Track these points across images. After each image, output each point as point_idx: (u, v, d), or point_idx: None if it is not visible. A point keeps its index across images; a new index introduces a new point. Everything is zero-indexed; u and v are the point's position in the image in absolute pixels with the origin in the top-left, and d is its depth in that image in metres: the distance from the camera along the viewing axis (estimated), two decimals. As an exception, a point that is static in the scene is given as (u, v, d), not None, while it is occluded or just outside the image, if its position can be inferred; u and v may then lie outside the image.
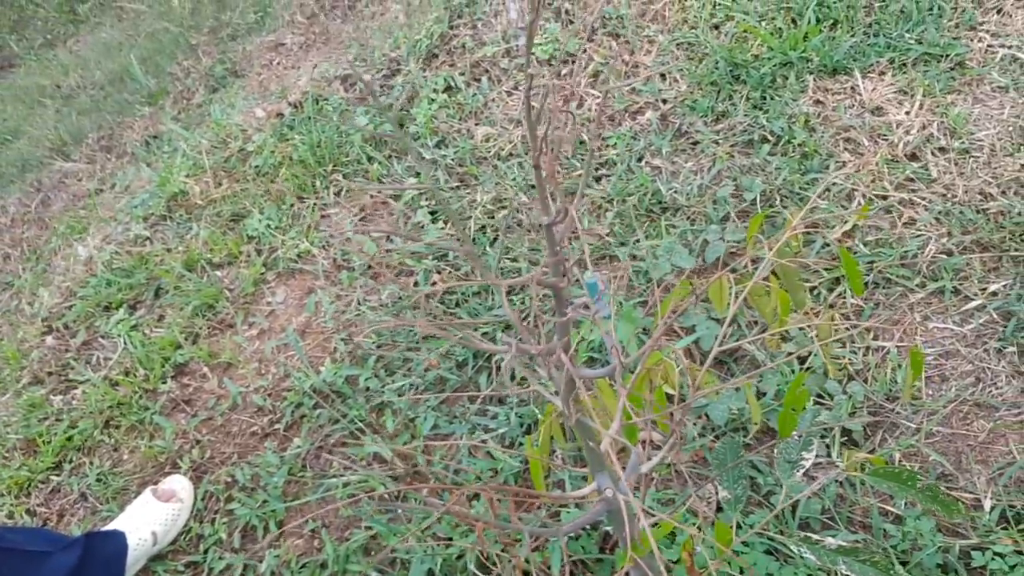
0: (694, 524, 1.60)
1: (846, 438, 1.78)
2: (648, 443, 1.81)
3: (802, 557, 1.50)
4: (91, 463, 2.19)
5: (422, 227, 2.41)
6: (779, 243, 1.28)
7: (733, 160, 2.30)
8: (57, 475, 2.20)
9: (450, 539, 1.80)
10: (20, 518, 2.12)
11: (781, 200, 2.17)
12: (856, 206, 2.10)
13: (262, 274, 2.50)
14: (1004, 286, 1.90)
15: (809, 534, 1.56)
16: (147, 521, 1.97)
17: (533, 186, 2.42)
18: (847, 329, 1.92)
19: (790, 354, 1.90)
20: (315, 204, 2.61)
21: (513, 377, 2.03)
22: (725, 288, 1.30)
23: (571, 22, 2.81)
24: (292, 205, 2.63)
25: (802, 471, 1.41)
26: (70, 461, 2.21)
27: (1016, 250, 1.94)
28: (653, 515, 1.29)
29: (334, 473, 2.00)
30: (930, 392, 1.81)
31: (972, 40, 2.40)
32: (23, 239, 3.44)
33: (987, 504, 1.62)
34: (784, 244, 1.30)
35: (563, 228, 0.93)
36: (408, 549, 1.79)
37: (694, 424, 1.86)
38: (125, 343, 2.43)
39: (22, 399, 2.37)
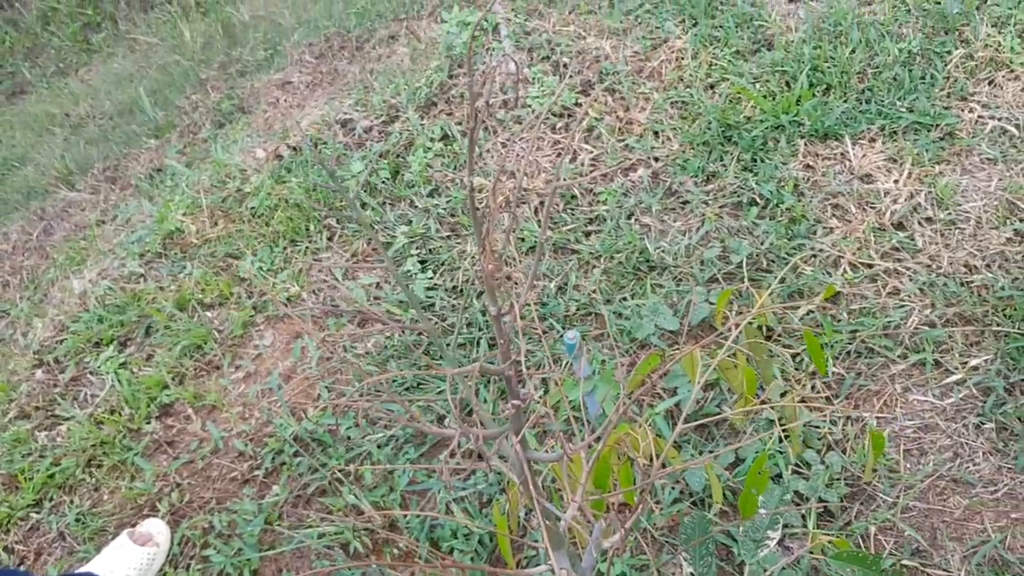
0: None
1: (823, 509, 1.77)
2: (617, 508, 1.81)
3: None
4: (71, 502, 2.19)
5: (411, 275, 2.43)
6: (746, 319, 1.29)
7: (722, 221, 2.31)
8: (37, 512, 2.20)
9: (421, 597, 1.80)
10: (-4, 556, 2.13)
11: (767, 264, 2.19)
12: (841, 272, 2.11)
13: (251, 317, 2.51)
14: (985, 361, 1.90)
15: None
16: (123, 564, 1.97)
17: (522, 239, 2.44)
18: (826, 400, 1.92)
19: (771, 421, 1.89)
20: (307, 247, 2.63)
21: (479, 455, 2.03)
22: (697, 360, 1.31)
23: (569, 76, 2.84)
24: (284, 248, 2.66)
25: (766, 550, 1.41)
26: (51, 499, 2.22)
27: (998, 325, 1.95)
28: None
29: (311, 523, 2.00)
30: (908, 465, 1.80)
31: (963, 110, 2.42)
32: (23, 267, 3.47)
33: (959, 585, 1.61)
34: (753, 319, 1.30)
35: (511, 318, 0.94)
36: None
37: (672, 488, 1.86)
38: (113, 381, 2.44)
39: (7, 433, 2.38)
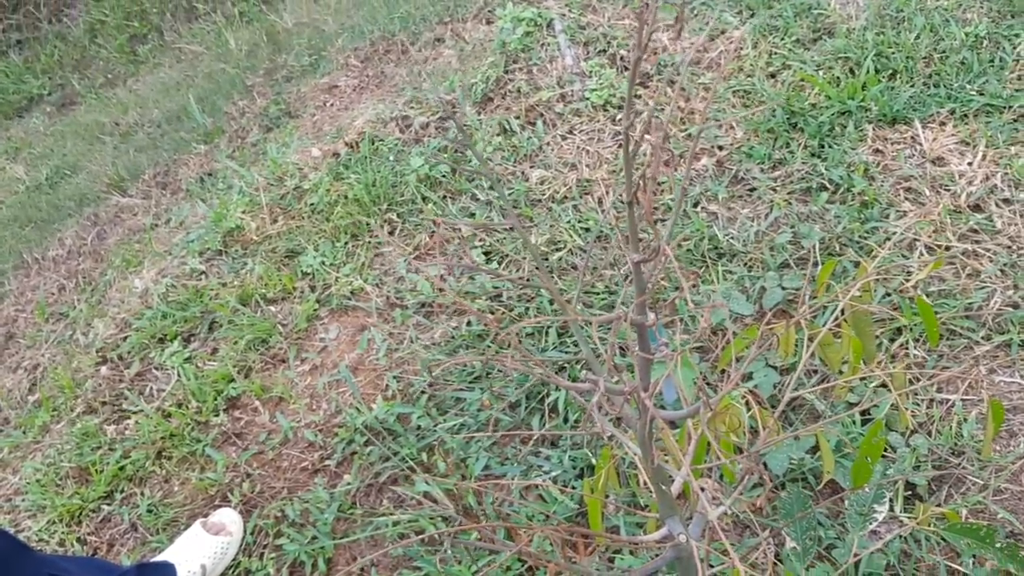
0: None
1: (910, 492, 1.73)
2: (705, 491, 1.77)
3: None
4: (142, 493, 2.20)
5: (476, 266, 2.42)
6: (852, 289, 1.26)
7: (791, 207, 2.29)
8: (108, 504, 2.21)
9: (501, 583, 1.78)
10: (71, 547, 2.13)
11: (840, 248, 2.15)
12: (918, 256, 2.08)
13: (315, 310, 2.51)
14: (1074, 341, 1.86)
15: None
16: (197, 554, 1.97)
17: (587, 229, 2.42)
18: (913, 381, 1.88)
19: (852, 405, 1.86)
20: (369, 242, 2.63)
21: (566, 420, 2.01)
22: (792, 335, 1.29)
23: (627, 68, 2.83)
24: (346, 243, 2.66)
25: (873, 525, 1.37)
26: (121, 491, 2.23)
27: (1085, 304, 1.90)
28: (716, 564, 1.27)
29: (384, 512, 1.99)
30: (997, 448, 1.76)
31: (1035, 92, 2.38)
32: (78, 271, 3.51)
33: (1061, 566, 1.56)
34: (858, 291, 1.28)
35: (652, 266, 0.93)
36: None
37: (752, 474, 1.82)
38: (179, 375, 2.45)
39: (76, 428, 2.40)
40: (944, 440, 1.77)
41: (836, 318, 1.24)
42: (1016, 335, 1.88)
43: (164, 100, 4.81)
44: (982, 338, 1.90)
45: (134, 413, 2.41)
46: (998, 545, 1.21)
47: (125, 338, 2.67)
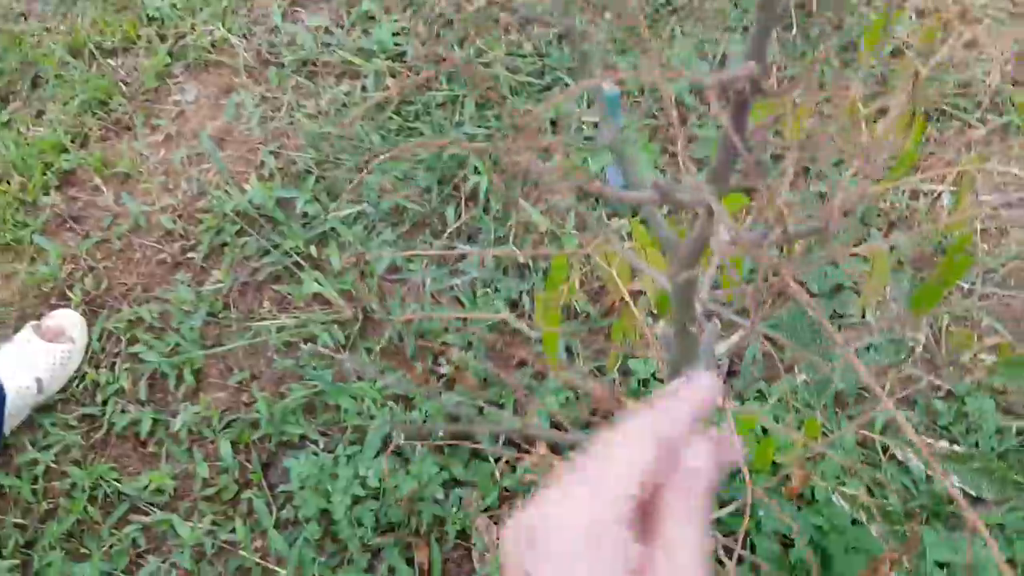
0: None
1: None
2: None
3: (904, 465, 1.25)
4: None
5: (371, 19, 1.95)
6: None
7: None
8: (-90, 304, 1.77)
9: (411, 400, 1.49)
10: None
11: (815, 3, 1.81)
12: (907, 18, 1.75)
13: (167, 65, 2.01)
14: (1076, 126, 1.62)
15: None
16: (30, 364, 1.58)
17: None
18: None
19: (823, 196, 1.59)
20: (234, -20, 2.10)
21: (487, 210, 1.67)
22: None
23: None
24: (204, -20, 2.11)
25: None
26: (-73, 286, 1.78)
27: (1091, 85, 1.65)
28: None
29: (265, 316, 1.64)
30: (987, 247, 1.54)
31: None
32: None
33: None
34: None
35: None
36: (360, 412, 1.48)
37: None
38: (-6, 143, 1.94)
39: None
40: (929, 238, 1.53)
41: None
42: (1015, 118, 1.62)
43: None
44: (977, 120, 1.64)
45: (-63, 190, 1.91)
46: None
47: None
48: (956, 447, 0.94)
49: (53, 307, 1.71)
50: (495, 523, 1.41)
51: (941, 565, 1.15)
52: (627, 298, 0.91)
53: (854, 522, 1.09)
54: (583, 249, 0.86)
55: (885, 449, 1.29)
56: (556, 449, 1.43)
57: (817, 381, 1.04)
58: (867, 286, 0.91)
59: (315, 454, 1.44)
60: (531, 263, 1.60)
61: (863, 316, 1.46)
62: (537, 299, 0.91)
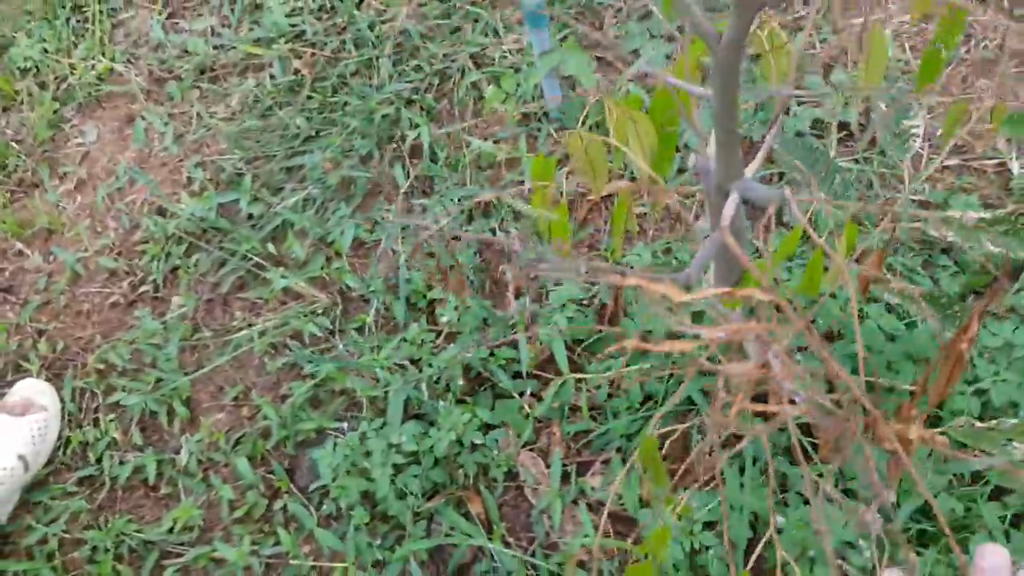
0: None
1: (844, 133, 1.54)
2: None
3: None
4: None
5: (258, 7, 1.88)
6: None
7: None
8: None
9: (417, 361, 1.45)
10: None
11: None
12: None
13: (56, 112, 1.90)
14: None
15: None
16: (8, 444, 1.47)
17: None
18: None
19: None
20: (100, 11, 1.99)
21: (435, 159, 1.63)
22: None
23: None
24: (68, 19, 2.00)
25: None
26: None
27: None
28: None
29: (240, 326, 1.57)
30: (917, 60, 1.58)
31: None
32: None
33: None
34: None
35: None
36: (375, 384, 1.42)
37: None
38: None
39: None
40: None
41: None
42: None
43: None
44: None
45: None
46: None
47: None
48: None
49: (12, 382, 1.59)
50: (537, 456, 1.38)
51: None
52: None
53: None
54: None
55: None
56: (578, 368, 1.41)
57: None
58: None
59: (338, 440, 1.38)
60: (495, 201, 1.57)
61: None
62: (534, 193, 0.88)
